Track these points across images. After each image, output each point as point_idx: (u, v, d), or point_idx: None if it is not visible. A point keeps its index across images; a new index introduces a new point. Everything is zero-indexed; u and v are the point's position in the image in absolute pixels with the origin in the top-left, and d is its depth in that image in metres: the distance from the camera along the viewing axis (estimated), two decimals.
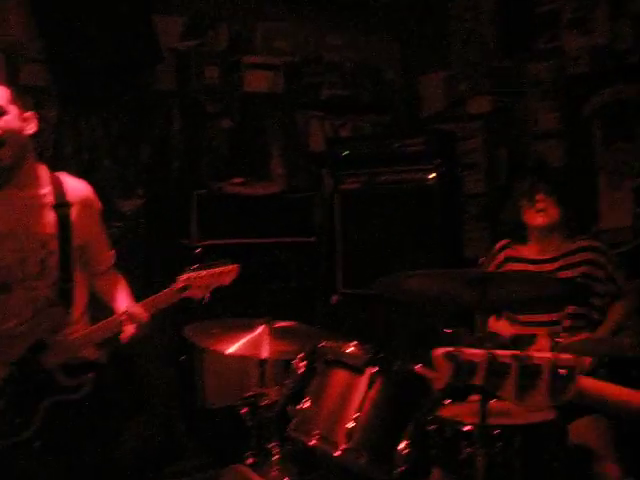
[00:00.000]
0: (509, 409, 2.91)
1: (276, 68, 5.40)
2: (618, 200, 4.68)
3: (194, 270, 2.86)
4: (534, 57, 5.11)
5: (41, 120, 3.02)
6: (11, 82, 4.36)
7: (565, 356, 1.49)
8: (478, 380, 1.54)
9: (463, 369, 1.56)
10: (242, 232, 4.81)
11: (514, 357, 1.51)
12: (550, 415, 2.79)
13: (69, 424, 2.85)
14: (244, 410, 3.08)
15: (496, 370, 1.52)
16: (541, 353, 1.50)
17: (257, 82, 5.34)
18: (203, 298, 2.88)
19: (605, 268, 3.33)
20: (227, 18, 5.31)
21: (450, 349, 1.60)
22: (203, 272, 2.87)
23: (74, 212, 2.90)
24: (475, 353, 1.55)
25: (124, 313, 2.86)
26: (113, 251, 3.14)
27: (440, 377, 1.63)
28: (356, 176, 4.89)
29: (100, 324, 2.90)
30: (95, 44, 4.39)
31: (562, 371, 1.49)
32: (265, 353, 3.15)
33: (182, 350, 4.71)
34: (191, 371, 4.69)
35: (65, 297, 2.87)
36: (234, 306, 4.30)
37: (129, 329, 2.85)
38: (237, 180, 4.96)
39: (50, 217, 2.86)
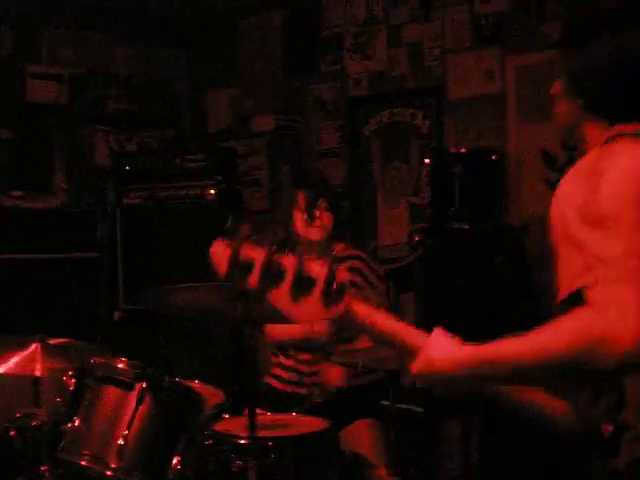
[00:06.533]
0: (283, 420, 3.00)
1: (61, 79, 5.26)
2: (395, 217, 4.92)
3: None
4: (318, 78, 5.29)
5: None
6: None
7: (339, 273, 1.55)
8: (253, 279, 1.54)
9: (240, 264, 1.54)
10: (21, 247, 4.63)
11: (292, 263, 1.54)
12: (322, 425, 2.90)
13: None
14: (12, 433, 2.95)
15: (272, 272, 1.53)
16: (317, 266, 1.55)
17: (41, 92, 5.19)
18: None
19: (365, 276, 3.47)
20: (10, 23, 5.12)
21: (229, 243, 1.57)
22: None
23: None
24: (254, 251, 1.55)
25: None
26: None
27: (219, 271, 1.58)
28: (138, 191, 4.87)
29: None
30: None
31: (335, 286, 1.55)
32: (38, 371, 3.05)
33: None
34: None
35: None
36: (9, 324, 4.12)
37: None
38: (16, 193, 4.79)
39: None
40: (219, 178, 4.69)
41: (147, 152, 5.32)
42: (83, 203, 5.14)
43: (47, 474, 2.88)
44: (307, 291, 1.52)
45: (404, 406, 3.84)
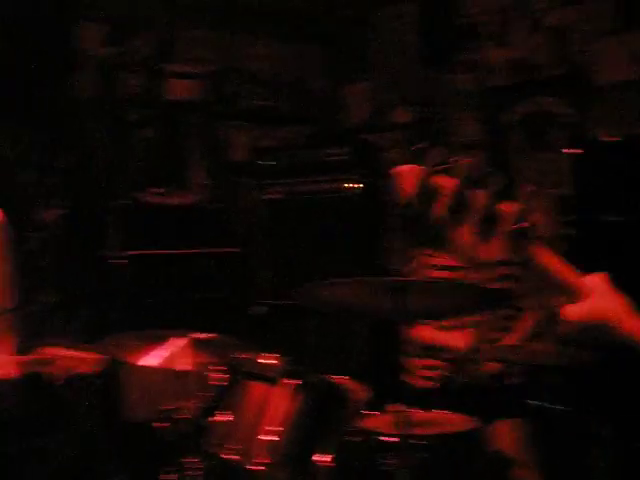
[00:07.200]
0: (429, 418, 2.93)
1: (197, 77, 5.35)
2: (537, 210, 4.75)
3: (60, 345, 2.76)
4: (455, 68, 5.17)
5: None
6: None
7: (531, 214, 1.43)
8: (439, 210, 1.42)
9: (427, 191, 1.43)
10: (163, 243, 4.73)
11: (482, 199, 1.41)
12: (471, 423, 2.81)
13: None
14: (162, 425, 3.00)
15: (459, 205, 1.42)
16: (505, 205, 1.42)
17: (179, 91, 5.29)
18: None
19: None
20: (150, 26, 5.25)
21: (418, 167, 1.43)
22: (69, 352, 2.76)
23: None
24: (444, 180, 1.43)
25: None
26: (12, 295, 2.98)
27: (401, 194, 1.44)
28: (279, 186, 4.89)
29: None
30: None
31: (523, 225, 1.43)
32: (185, 365, 3.08)
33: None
34: (113, 386, 4.57)
35: None
36: (157, 318, 4.20)
37: None
38: (156, 190, 4.89)
39: None
40: (362, 172, 4.65)
41: (286, 147, 5.34)
42: (222, 199, 5.19)
43: (195, 466, 2.91)
44: (492, 229, 1.40)
45: (549, 405, 3.70)
